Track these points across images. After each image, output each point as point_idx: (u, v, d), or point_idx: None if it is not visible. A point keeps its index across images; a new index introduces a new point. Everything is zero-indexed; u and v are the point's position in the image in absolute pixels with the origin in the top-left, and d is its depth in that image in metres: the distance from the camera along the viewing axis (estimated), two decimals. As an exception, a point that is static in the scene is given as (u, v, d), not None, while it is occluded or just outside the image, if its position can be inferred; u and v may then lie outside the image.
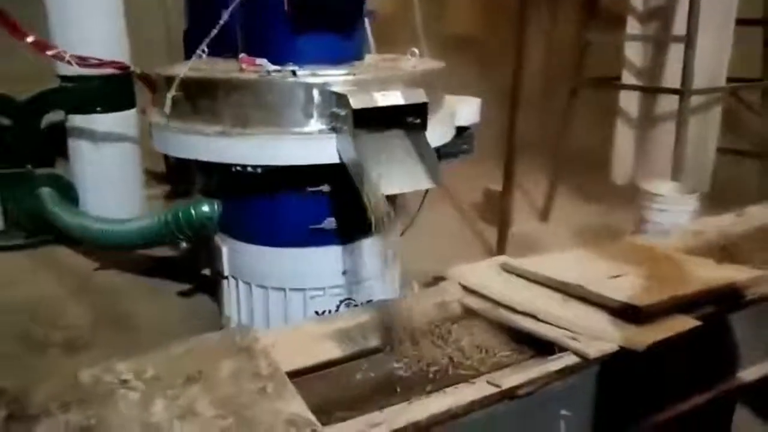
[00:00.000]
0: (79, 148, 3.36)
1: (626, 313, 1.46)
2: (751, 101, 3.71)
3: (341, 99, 1.87)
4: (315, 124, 1.95)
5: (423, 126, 1.95)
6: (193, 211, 2.30)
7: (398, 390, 1.39)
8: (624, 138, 3.80)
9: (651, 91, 3.63)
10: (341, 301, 2.19)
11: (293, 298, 2.18)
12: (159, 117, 2.15)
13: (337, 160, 1.93)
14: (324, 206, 2.12)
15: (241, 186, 2.12)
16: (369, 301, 2.15)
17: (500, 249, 3.45)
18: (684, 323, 1.43)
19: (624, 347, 1.37)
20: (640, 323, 1.43)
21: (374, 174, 1.79)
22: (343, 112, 1.86)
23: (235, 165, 1.97)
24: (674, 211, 2.76)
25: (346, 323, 1.58)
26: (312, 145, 1.95)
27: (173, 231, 2.39)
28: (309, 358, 1.46)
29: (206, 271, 2.58)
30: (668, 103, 3.47)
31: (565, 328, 1.45)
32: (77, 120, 3.31)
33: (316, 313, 2.16)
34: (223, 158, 1.98)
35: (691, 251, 1.96)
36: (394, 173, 1.87)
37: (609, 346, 1.38)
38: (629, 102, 3.75)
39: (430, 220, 2.51)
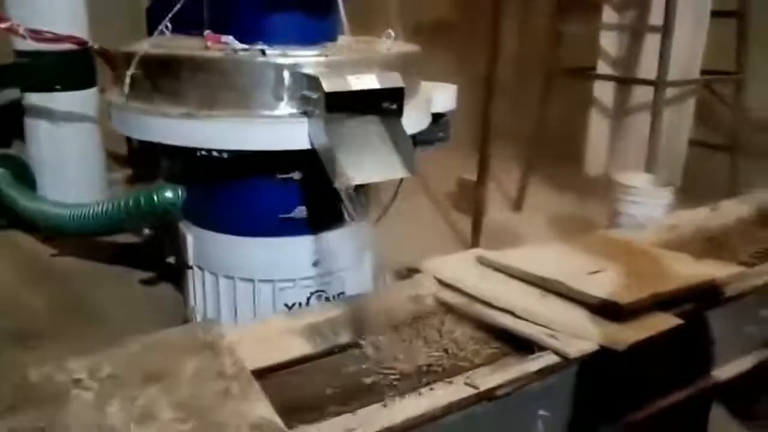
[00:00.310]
0: (36, 128, 3.21)
1: (606, 310, 1.42)
2: (724, 94, 3.72)
3: (313, 81, 1.78)
4: (285, 108, 1.86)
5: (399, 112, 1.87)
6: (155, 197, 2.19)
7: (374, 389, 1.33)
8: (598, 129, 3.77)
9: (626, 82, 3.61)
10: (312, 293, 2.11)
11: (262, 290, 2.10)
12: (118, 96, 2.03)
13: (308, 146, 1.84)
14: (294, 194, 2.03)
15: (207, 171, 2.02)
16: (341, 293, 2.09)
17: (474, 240, 3.41)
18: (666, 321, 1.40)
19: (604, 346, 1.34)
20: (621, 321, 1.40)
21: (346, 161, 1.71)
22: (314, 96, 1.77)
23: (200, 149, 1.87)
24: (649, 203, 2.74)
25: (316, 318, 1.52)
26: (282, 129, 1.85)
27: (134, 217, 2.29)
28: (277, 355, 1.39)
29: (171, 260, 2.48)
30: (643, 94, 3.46)
31: (543, 325, 1.41)
32: (34, 98, 3.16)
33: (286, 305, 2.09)
34: (186, 141, 1.87)
35: (666, 245, 1.94)
36: (367, 161, 1.79)
37: (589, 346, 1.34)
38: (604, 92, 3.72)
39: (403, 210, 2.45)
